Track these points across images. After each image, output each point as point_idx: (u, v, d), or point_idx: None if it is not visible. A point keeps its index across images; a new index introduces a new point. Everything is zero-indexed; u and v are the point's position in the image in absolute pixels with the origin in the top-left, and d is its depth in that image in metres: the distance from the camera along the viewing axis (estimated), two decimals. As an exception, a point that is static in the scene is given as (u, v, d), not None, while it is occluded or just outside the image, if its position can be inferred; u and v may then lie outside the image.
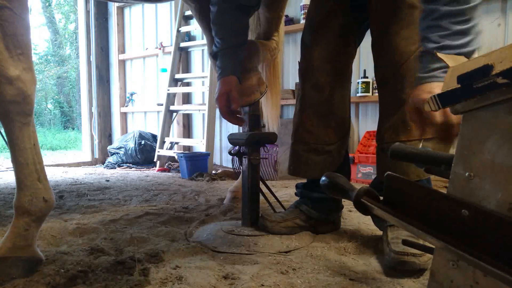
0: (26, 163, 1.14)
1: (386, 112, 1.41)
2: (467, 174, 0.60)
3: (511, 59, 0.48)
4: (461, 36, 0.99)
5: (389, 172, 0.71)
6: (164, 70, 4.62)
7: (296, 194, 1.73)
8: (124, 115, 5.26)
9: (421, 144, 1.30)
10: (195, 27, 4.33)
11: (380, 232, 1.63)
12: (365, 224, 1.76)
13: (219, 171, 3.74)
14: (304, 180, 1.71)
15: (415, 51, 1.28)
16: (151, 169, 4.35)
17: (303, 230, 1.58)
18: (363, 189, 0.74)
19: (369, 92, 3.45)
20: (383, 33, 1.37)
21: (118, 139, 4.95)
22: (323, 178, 0.86)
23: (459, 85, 0.56)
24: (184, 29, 4.35)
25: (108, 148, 4.90)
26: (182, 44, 4.38)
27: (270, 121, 2.58)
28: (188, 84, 4.64)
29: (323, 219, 1.59)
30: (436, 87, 0.98)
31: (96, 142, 5.19)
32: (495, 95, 0.53)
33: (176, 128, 4.70)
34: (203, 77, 4.28)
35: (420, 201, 0.65)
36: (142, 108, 5.04)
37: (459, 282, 0.62)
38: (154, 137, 4.61)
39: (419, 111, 0.98)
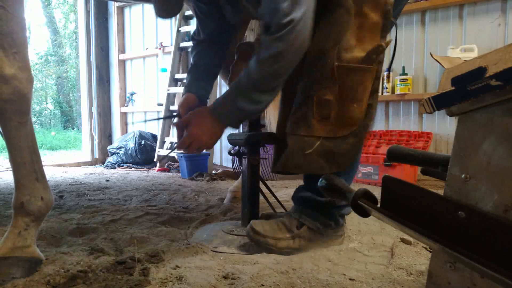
0: (24, 162, 1.14)
1: (296, 104, 1.39)
2: (463, 176, 0.60)
3: (505, 61, 0.48)
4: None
5: (386, 174, 0.72)
6: (164, 70, 4.62)
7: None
8: (124, 115, 5.27)
9: (319, 142, 1.30)
10: (195, 27, 4.33)
11: (380, 231, 1.63)
12: (365, 224, 1.76)
13: (219, 171, 3.74)
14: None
15: (330, 50, 1.28)
16: (151, 169, 4.35)
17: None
18: (361, 191, 0.75)
19: (369, 92, 3.45)
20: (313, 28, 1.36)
21: (118, 139, 4.96)
22: (321, 180, 0.86)
23: (454, 88, 0.56)
24: (184, 29, 4.35)
25: (108, 148, 4.91)
26: (182, 44, 4.38)
27: (273, 121, 2.58)
28: (188, 84, 4.63)
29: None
30: None
31: (96, 142, 5.19)
32: (489, 97, 0.53)
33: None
34: (203, 77, 4.28)
35: (417, 203, 0.65)
36: (142, 108, 5.04)
37: (457, 283, 0.63)
38: (154, 137, 4.61)
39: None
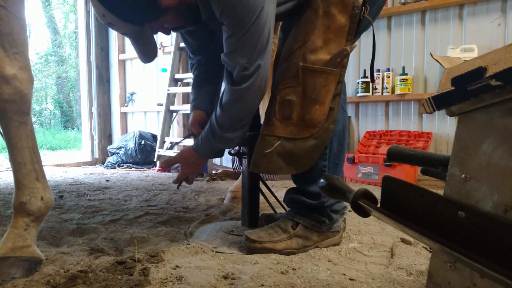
0: (24, 162, 1.14)
1: (269, 104, 1.43)
2: (463, 176, 0.60)
3: (505, 61, 0.48)
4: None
5: (386, 174, 0.72)
6: (164, 70, 4.62)
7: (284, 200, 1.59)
8: (124, 115, 5.27)
9: (279, 142, 1.32)
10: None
11: (380, 231, 1.63)
12: (365, 224, 1.76)
13: (219, 171, 3.74)
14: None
15: (296, 50, 1.31)
16: (151, 169, 4.35)
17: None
18: (361, 191, 0.75)
19: (369, 92, 3.45)
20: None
21: (118, 139, 4.95)
22: (321, 180, 0.86)
23: (454, 88, 0.56)
24: (184, 29, 4.35)
25: (108, 148, 4.91)
26: (182, 44, 4.36)
27: None
28: (188, 84, 4.63)
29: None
30: None
31: (96, 142, 5.19)
32: (489, 97, 0.53)
33: (176, 128, 4.70)
34: (203, 77, 4.28)
35: (417, 203, 0.65)
36: (142, 108, 5.04)
37: (457, 283, 0.63)
38: (154, 137, 4.61)
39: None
